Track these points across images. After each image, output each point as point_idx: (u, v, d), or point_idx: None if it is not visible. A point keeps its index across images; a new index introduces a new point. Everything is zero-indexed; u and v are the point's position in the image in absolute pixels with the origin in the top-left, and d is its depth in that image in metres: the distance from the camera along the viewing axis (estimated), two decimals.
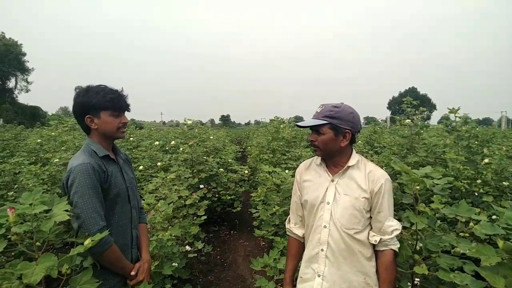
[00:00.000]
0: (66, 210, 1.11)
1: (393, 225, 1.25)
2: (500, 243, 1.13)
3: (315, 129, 1.32)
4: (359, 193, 1.26)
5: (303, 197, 1.41)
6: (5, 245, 1.01)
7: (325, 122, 1.27)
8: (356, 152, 1.37)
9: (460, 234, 1.69)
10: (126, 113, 1.49)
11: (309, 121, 1.34)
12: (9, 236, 1.04)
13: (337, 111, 1.28)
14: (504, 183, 2.72)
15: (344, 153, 1.33)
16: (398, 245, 1.27)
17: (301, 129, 8.60)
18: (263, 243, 4.20)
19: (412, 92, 57.65)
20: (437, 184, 1.38)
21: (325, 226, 1.29)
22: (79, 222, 1.21)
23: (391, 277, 1.25)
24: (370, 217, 1.29)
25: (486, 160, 2.80)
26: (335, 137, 1.28)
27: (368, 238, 1.27)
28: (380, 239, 1.25)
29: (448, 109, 3.06)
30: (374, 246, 1.29)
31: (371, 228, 1.29)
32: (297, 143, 6.32)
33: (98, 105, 1.35)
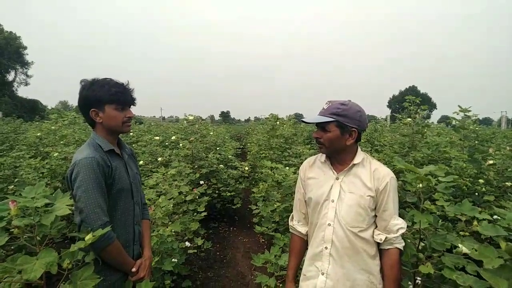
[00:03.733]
0: (68, 205, 1.09)
1: (399, 224, 1.24)
2: (503, 244, 1.12)
3: (321, 126, 1.30)
4: (364, 191, 1.25)
5: (307, 194, 1.40)
6: (7, 239, 1.00)
7: (332, 119, 1.26)
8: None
9: (461, 233, 1.69)
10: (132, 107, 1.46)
11: (315, 117, 1.31)
12: (11, 230, 1.03)
13: (345, 108, 1.26)
14: (507, 183, 2.72)
15: (350, 151, 1.32)
16: (403, 244, 1.27)
17: (302, 126, 8.62)
18: (263, 240, 4.20)
19: (412, 91, 57.43)
20: (442, 182, 1.37)
21: (329, 224, 1.28)
22: (82, 217, 1.19)
23: (397, 275, 1.24)
24: (375, 216, 1.28)
25: (491, 162, 2.79)
26: (341, 135, 1.27)
27: (372, 237, 1.26)
28: (386, 237, 1.24)
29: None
30: (378, 244, 1.28)
31: (376, 226, 1.28)
32: (296, 140, 6.32)
33: (103, 98, 1.32)
